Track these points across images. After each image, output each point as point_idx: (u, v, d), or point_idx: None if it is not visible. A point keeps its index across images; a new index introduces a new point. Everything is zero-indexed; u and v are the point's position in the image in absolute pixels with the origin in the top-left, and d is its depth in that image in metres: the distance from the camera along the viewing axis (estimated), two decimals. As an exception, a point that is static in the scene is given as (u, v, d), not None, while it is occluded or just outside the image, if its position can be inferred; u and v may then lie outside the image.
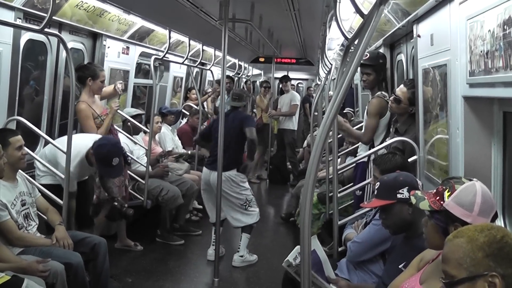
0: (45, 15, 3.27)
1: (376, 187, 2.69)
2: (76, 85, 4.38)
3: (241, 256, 5.01)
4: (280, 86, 10.26)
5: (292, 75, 11.04)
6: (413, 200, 2.09)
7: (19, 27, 3.74)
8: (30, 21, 3.99)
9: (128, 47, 5.80)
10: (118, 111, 5.02)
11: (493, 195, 2.52)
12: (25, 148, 3.62)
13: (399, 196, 2.60)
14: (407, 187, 2.59)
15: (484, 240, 1.49)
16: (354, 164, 4.42)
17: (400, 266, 2.44)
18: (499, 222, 2.56)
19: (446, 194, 1.99)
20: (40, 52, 4.45)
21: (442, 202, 1.98)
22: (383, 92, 4.15)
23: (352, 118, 6.54)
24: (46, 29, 3.36)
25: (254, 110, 10.18)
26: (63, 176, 3.79)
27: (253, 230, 5.22)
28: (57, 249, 3.39)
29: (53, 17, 3.67)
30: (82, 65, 4.72)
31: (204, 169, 5.17)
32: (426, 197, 2.06)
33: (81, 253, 3.47)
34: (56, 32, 4.21)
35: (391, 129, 4.04)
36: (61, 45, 4.16)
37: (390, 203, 2.60)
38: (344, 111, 6.90)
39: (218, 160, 4.49)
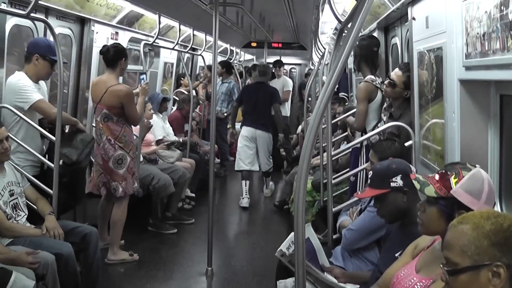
0: (31, -1, 3.17)
1: (369, 176, 2.65)
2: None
3: (270, 190, 7.40)
4: (273, 70, 10.19)
5: (285, 59, 10.97)
6: (417, 185, 2.02)
7: (4, 12, 3.61)
8: (15, 5, 3.86)
9: (117, 33, 5.67)
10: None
11: (490, 179, 2.50)
12: (13, 137, 3.56)
13: (392, 184, 2.56)
14: (400, 175, 2.56)
15: (491, 228, 1.43)
16: (349, 150, 4.37)
17: (396, 255, 2.41)
18: (496, 208, 2.53)
19: (452, 180, 1.93)
20: (27, 38, 4.33)
21: (448, 189, 1.93)
22: (371, 77, 4.12)
23: (347, 103, 6.48)
24: (32, 14, 3.26)
25: None
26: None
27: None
28: (48, 240, 3.34)
29: (39, 2, 3.54)
30: (111, 46, 4.52)
31: (246, 127, 6.99)
32: (430, 182, 1.99)
33: (72, 243, 3.43)
34: (42, 17, 4.10)
35: (382, 114, 4.00)
36: (48, 31, 4.05)
37: (383, 192, 2.56)
38: (340, 95, 6.87)
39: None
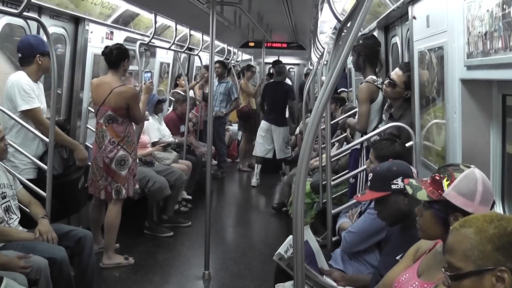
0: (24, -3, 3.10)
1: (369, 179, 2.61)
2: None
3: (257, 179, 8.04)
4: (271, 71, 10.15)
5: (283, 59, 10.91)
6: (409, 190, 1.99)
7: (-5, 10, 3.57)
8: (7, 4, 3.82)
9: (112, 32, 5.62)
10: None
11: (492, 180, 2.48)
12: (8, 140, 3.50)
13: (393, 187, 2.52)
14: (401, 177, 2.51)
15: (494, 232, 1.40)
16: (349, 151, 4.32)
17: (397, 257, 2.36)
18: (498, 209, 2.50)
19: (445, 182, 1.89)
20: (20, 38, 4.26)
21: (441, 192, 1.89)
22: (372, 77, 4.09)
23: (347, 104, 6.43)
24: (24, 13, 3.19)
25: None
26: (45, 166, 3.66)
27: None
28: (41, 244, 3.27)
29: (32, 0, 3.50)
30: (113, 46, 4.47)
31: (264, 121, 8.29)
32: (422, 186, 1.96)
33: (66, 247, 3.36)
34: (35, 16, 4.04)
35: (383, 115, 3.95)
36: (41, 30, 3.99)
37: (384, 195, 2.52)
38: (339, 91, 6.84)
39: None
